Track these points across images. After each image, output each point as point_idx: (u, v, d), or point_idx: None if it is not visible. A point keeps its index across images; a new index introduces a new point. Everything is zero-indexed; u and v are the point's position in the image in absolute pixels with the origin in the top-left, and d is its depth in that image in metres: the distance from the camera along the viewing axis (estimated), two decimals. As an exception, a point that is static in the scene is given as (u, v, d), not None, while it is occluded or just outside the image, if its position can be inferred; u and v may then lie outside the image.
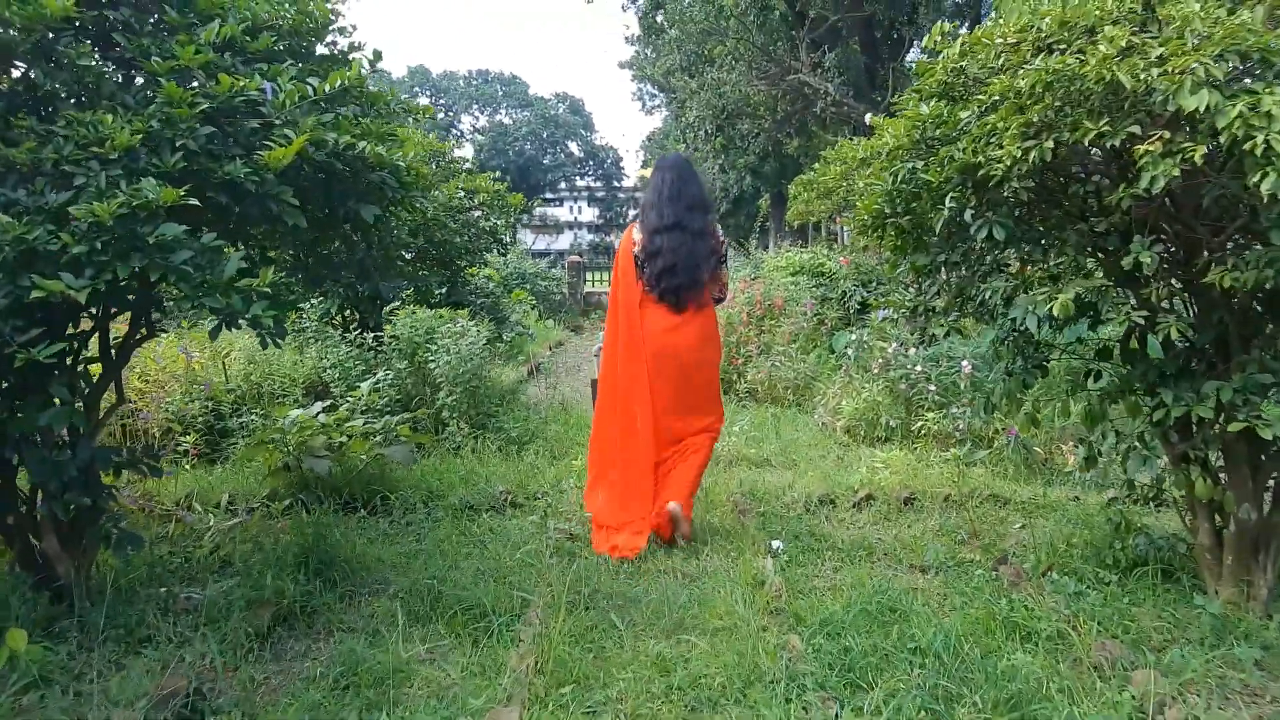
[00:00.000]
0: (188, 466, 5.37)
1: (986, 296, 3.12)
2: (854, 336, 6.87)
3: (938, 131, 3.12)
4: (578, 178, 67.35)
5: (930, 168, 3.03)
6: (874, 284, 10.29)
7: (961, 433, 5.96)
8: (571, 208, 71.18)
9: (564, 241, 65.57)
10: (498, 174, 8.00)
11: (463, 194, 6.67)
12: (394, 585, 3.76)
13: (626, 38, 32.35)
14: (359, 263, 3.81)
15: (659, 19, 29.29)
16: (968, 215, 2.94)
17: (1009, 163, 2.66)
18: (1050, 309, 2.75)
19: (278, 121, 2.87)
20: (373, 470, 5.01)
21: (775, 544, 4.23)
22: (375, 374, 5.95)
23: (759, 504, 4.93)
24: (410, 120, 3.80)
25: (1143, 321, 2.72)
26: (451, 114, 63.28)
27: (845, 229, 27.34)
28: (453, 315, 8.16)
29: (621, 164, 66.91)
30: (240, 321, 2.68)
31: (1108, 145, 2.48)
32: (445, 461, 5.59)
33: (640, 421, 4.31)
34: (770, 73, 23.73)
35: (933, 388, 6.23)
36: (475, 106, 64.25)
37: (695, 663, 2.97)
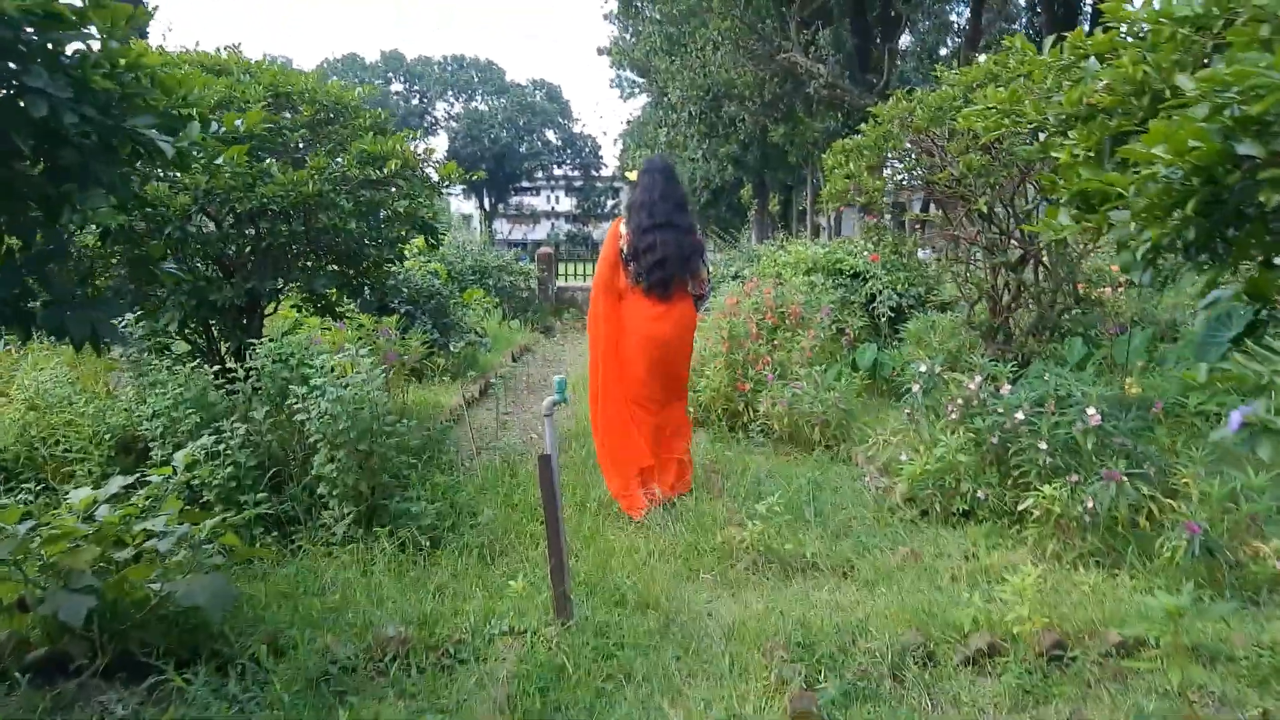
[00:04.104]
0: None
1: None
2: (924, 368, 4.87)
3: None
4: (555, 166, 65.26)
5: None
6: (907, 287, 8.37)
7: (1094, 516, 4.00)
8: (549, 197, 69.20)
9: (541, 231, 63.68)
10: (441, 156, 5.97)
11: (365, 164, 4.61)
12: None
13: (605, 15, 30.50)
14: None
15: (638, 3, 27.47)
16: None
17: None
18: None
19: None
20: (170, 609, 3.00)
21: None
22: (224, 426, 3.91)
23: (816, 666, 2.96)
24: None
25: None
26: (426, 100, 61.03)
27: (835, 217, 25.55)
28: (372, 326, 6.16)
29: (600, 153, 64.82)
30: None
31: None
32: (312, 573, 3.57)
33: (620, 409, 4.79)
34: (758, 52, 21.95)
35: (1044, 446, 4.27)
36: (450, 93, 61.99)
37: None
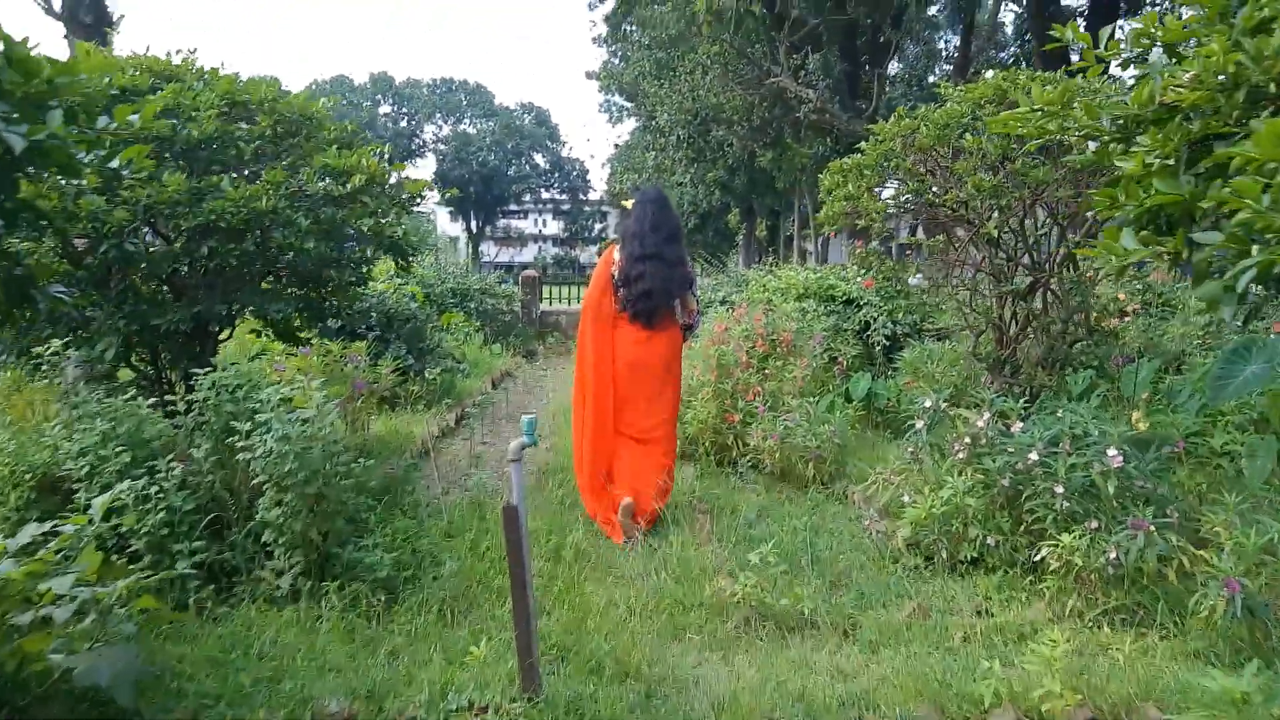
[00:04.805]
0: None
1: None
2: (928, 403, 4.52)
3: None
4: (543, 190, 65.19)
5: None
6: (903, 315, 8.05)
7: (1117, 569, 3.65)
8: (536, 220, 69.21)
9: (528, 254, 63.54)
10: (427, 177, 5.60)
11: (327, 179, 4.23)
12: None
13: (594, 39, 30.36)
14: None
15: (627, 28, 27.34)
16: None
17: None
18: None
19: None
20: (72, 685, 2.60)
21: None
22: (159, 465, 3.52)
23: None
24: None
25: None
26: (414, 122, 60.86)
27: (822, 243, 25.35)
28: (340, 352, 5.80)
29: (588, 177, 64.75)
30: None
31: None
32: (250, 634, 3.17)
33: (604, 428, 4.81)
34: (747, 76, 21.83)
35: (1060, 490, 3.92)
36: (439, 115, 61.83)
37: None
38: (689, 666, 3.18)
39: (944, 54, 29.15)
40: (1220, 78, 1.42)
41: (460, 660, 2.99)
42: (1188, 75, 1.49)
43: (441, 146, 60.40)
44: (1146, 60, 1.74)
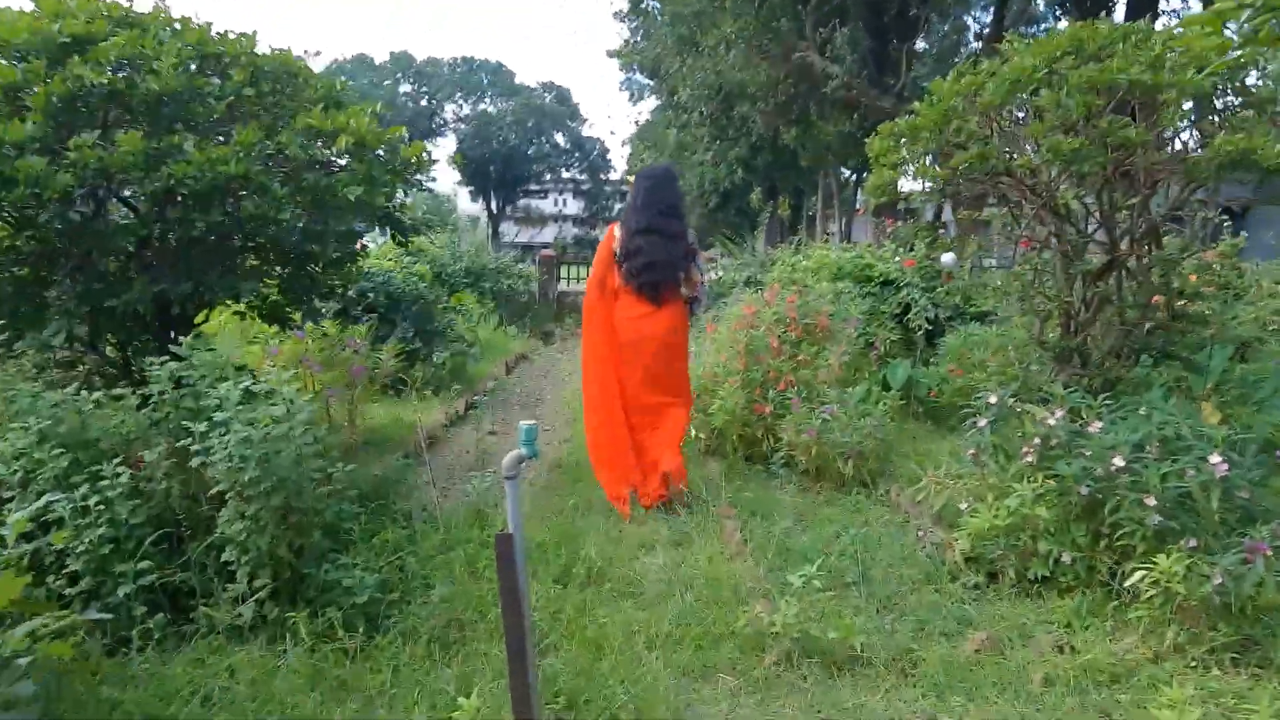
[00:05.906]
0: None
1: None
2: (993, 399, 3.96)
3: None
4: (563, 169, 64.48)
5: None
6: (944, 296, 7.49)
7: (1223, 597, 3.09)
8: (556, 200, 68.60)
9: (548, 234, 62.93)
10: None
11: (303, 139, 3.68)
12: None
13: (615, 14, 29.71)
14: None
15: (649, 3, 26.64)
16: None
17: None
18: None
19: None
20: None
21: None
22: (104, 470, 3.02)
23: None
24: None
25: None
26: (434, 102, 60.28)
27: (845, 222, 24.65)
28: (337, 337, 5.31)
29: (608, 156, 63.94)
30: None
31: None
32: (201, 674, 2.67)
33: (612, 393, 4.85)
34: (772, 52, 21.12)
35: (1151, 502, 3.35)
36: (459, 94, 61.22)
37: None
38: (721, 716, 2.66)
39: (973, 31, 28.26)
40: None
41: (448, 714, 2.48)
42: None
43: (462, 126, 59.84)
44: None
